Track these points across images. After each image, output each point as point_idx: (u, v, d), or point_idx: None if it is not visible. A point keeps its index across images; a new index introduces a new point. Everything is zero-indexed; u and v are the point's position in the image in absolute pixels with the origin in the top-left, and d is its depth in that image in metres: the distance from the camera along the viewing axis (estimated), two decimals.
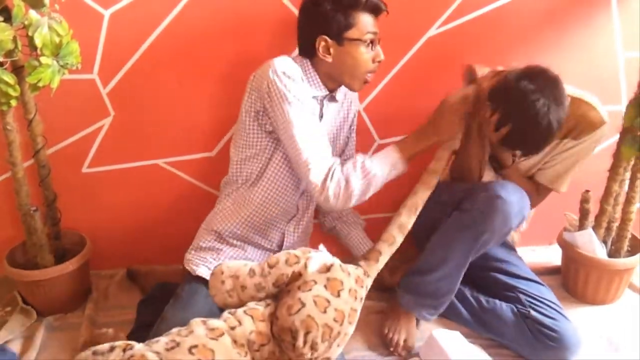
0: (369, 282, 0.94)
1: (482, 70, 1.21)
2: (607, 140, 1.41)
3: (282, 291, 0.86)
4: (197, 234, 1.20)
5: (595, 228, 1.32)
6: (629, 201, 1.27)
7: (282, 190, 1.12)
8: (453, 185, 1.25)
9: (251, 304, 0.85)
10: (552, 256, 1.51)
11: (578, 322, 1.19)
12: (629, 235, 1.31)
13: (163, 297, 1.10)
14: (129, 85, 1.26)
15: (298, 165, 1.02)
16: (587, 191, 1.30)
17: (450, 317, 1.24)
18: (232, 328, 0.80)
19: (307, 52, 1.10)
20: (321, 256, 0.89)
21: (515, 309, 1.16)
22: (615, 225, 1.32)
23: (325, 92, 1.12)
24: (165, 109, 1.30)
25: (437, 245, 1.16)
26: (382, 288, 1.29)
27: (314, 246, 0.98)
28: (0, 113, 1.07)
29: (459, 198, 1.16)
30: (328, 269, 0.86)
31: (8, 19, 0.99)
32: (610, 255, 1.32)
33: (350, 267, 0.90)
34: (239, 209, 1.14)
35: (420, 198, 1.04)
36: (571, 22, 1.37)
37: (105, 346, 0.78)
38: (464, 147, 1.21)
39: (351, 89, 1.13)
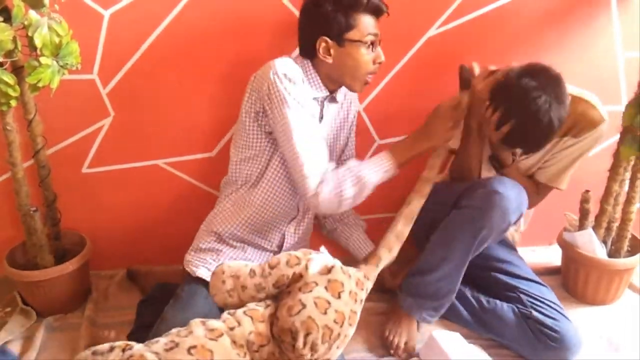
0: (369, 285, 0.94)
1: (476, 70, 1.22)
2: (607, 140, 1.41)
3: (282, 292, 0.86)
4: (196, 235, 1.20)
5: (595, 228, 1.32)
6: (629, 201, 1.27)
7: (282, 192, 1.12)
8: (452, 185, 1.25)
9: (251, 305, 0.85)
10: (553, 256, 1.51)
11: (578, 322, 1.19)
12: (629, 235, 1.31)
13: (163, 298, 1.10)
14: (128, 86, 1.26)
15: (293, 169, 1.03)
16: (587, 191, 1.30)
17: (450, 317, 1.24)
18: (232, 329, 0.80)
19: (308, 52, 1.09)
20: (322, 258, 0.89)
21: (516, 310, 1.16)
22: (615, 225, 1.32)
23: (325, 93, 1.12)
24: (165, 109, 1.30)
25: (436, 244, 1.16)
26: (383, 290, 1.29)
27: (315, 247, 0.98)
28: (0, 113, 1.07)
29: (457, 196, 1.16)
30: (329, 270, 0.86)
31: (8, 19, 0.98)
32: (610, 255, 1.32)
33: (351, 270, 0.90)
34: (239, 210, 1.14)
35: (415, 207, 1.05)
36: (571, 22, 1.37)
37: (105, 346, 0.79)
38: (463, 147, 1.21)
39: (352, 90, 1.13)
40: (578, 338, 1.12)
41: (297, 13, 1.14)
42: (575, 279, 1.36)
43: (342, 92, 1.18)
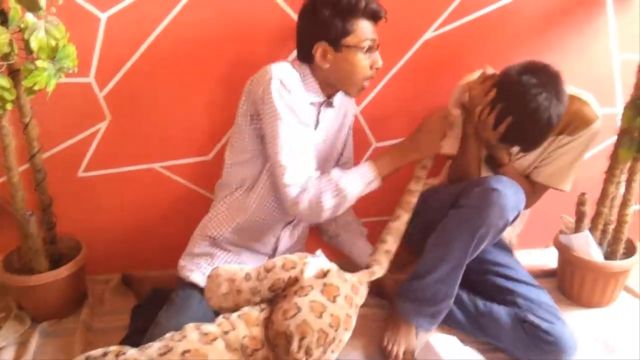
0: (363, 291, 0.94)
1: (472, 75, 1.23)
2: (602, 142, 1.42)
3: (278, 296, 0.86)
4: (190, 240, 1.20)
5: (592, 230, 1.32)
6: (625, 203, 1.27)
7: (277, 197, 1.12)
8: (449, 187, 1.25)
9: (245, 309, 0.85)
10: (549, 259, 1.51)
11: (574, 325, 1.19)
12: (625, 238, 1.31)
13: (157, 303, 1.09)
14: (125, 89, 1.26)
15: (275, 176, 1.03)
16: (583, 194, 1.30)
17: (446, 320, 1.23)
18: (226, 332, 0.80)
19: (306, 57, 1.09)
20: (318, 261, 0.89)
21: (513, 313, 1.16)
22: (611, 227, 1.32)
23: (322, 97, 1.12)
24: (162, 112, 1.30)
25: (434, 246, 1.15)
26: (382, 295, 1.29)
27: (312, 251, 0.98)
28: None
29: (455, 197, 1.16)
30: (325, 274, 0.86)
31: (4, 22, 0.99)
32: (606, 257, 1.32)
33: (347, 274, 0.90)
34: (234, 214, 1.14)
35: (402, 222, 1.07)
36: (566, 25, 1.38)
37: (99, 351, 0.78)
38: (461, 152, 1.21)
39: (348, 94, 1.13)
40: (573, 341, 1.12)
41: (295, 17, 1.14)
42: (571, 281, 1.36)
43: (339, 97, 1.18)
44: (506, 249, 1.32)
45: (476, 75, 1.21)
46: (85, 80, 1.24)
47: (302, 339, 0.79)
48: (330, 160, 1.23)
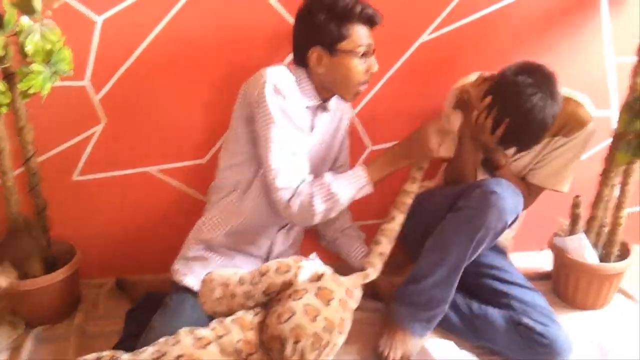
0: (358, 294, 0.94)
1: (468, 78, 1.23)
2: (597, 145, 1.43)
3: (272, 300, 0.86)
4: (184, 244, 1.19)
5: (586, 233, 1.32)
6: (619, 206, 1.28)
7: (271, 200, 1.10)
8: (446, 189, 1.25)
9: (240, 313, 0.85)
10: (544, 261, 1.52)
11: (569, 327, 1.19)
12: (619, 240, 1.32)
13: (151, 307, 1.09)
14: (120, 93, 1.26)
15: (267, 179, 1.03)
16: (578, 196, 1.31)
17: (442, 324, 1.23)
18: (220, 337, 0.80)
19: (302, 61, 1.10)
20: (313, 265, 0.89)
21: (508, 315, 1.16)
22: (606, 230, 1.33)
23: (318, 101, 1.13)
24: (157, 116, 1.30)
25: (431, 249, 1.14)
26: (376, 297, 1.29)
27: (307, 254, 0.98)
28: None
29: (453, 199, 1.15)
30: (319, 277, 0.86)
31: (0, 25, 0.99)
32: (600, 260, 1.33)
33: (342, 278, 0.90)
34: (228, 218, 1.14)
35: (397, 224, 1.07)
36: (561, 28, 1.39)
37: (92, 356, 0.78)
38: (457, 155, 1.22)
39: (343, 99, 1.14)
40: (568, 343, 1.12)
41: (290, 21, 1.14)
42: (565, 284, 1.37)
43: (335, 100, 1.18)
44: (501, 251, 1.32)
45: (472, 78, 1.21)
46: (80, 84, 1.23)
47: (296, 342, 0.79)
48: (325, 164, 1.23)
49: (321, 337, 0.81)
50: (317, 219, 1.02)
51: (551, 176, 1.25)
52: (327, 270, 0.89)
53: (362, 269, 1.02)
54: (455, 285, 1.14)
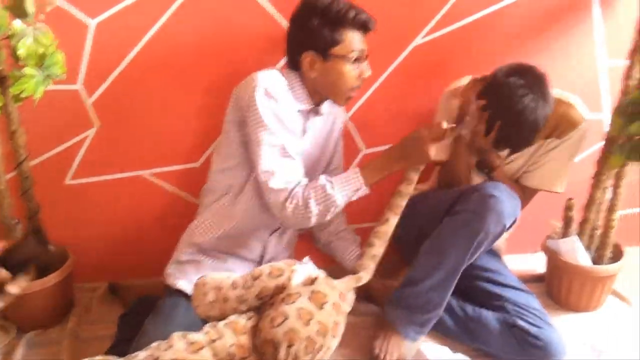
0: (351, 297, 0.94)
1: (460, 81, 1.24)
2: (589, 147, 1.43)
3: (265, 303, 0.86)
4: (177, 247, 1.19)
5: (579, 235, 1.33)
6: (611, 209, 1.29)
7: (264, 203, 1.11)
8: (441, 193, 1.25)
9: (233, 317, 0.85)
10: (537, 264, 1.52)
11: (562, 329, 1.20)
12: (612, 242, 1.33)
13: (144, 311, 1.08)
14: (113, 96, 1.25)
15: (261, 182, 1.03)
16: (571, 199, 1.32)
17: (436, 326, 1.23)
18: (213, 341, 0.79)
19: (295, 65, 1.10)
20: (306, 269, 0.89)
21: (502, 318, 1.16)
22: (599, 232, 1.33)
23: (310, 105, 1.13)
24: (150, 119, 1.29)
25: (428, 253, 1.14)
26: (370, 299, 1.28)
27: (302, 257, 0.98)
28: None
29: (451, 203, 1.15)
30: (312, 281, 0.86)
31: None
32: (593, 262, 1.34)
33: (335, 281, 0.90)
34: (220, 221, 1.13)
35: (390, 226, 1.07)
36: (553, 32, 1.40)
37: None
38: (451, 157, 1.22)
39: (336, 103, 1.14)
40: (562, 345, 1.13)
41: (284, 25, 1.15)
42: (559, 286, 1.37)
43: (328, 104, 1.19)
44: (495, 254, 1.33)
45: (464, 81, 1.22)
46: (73, 88, 1.23)
47: (289, 346, 0.79)
48: (319, 168, 1.23)
49: (315, 341, 0.81)
50: (313, 221, 1.02)
51: (546, 177, 1.26)
52: (320, 273, 0.89)
53: (354, 272, 1.01)
54: (451, 289, 1.14)
